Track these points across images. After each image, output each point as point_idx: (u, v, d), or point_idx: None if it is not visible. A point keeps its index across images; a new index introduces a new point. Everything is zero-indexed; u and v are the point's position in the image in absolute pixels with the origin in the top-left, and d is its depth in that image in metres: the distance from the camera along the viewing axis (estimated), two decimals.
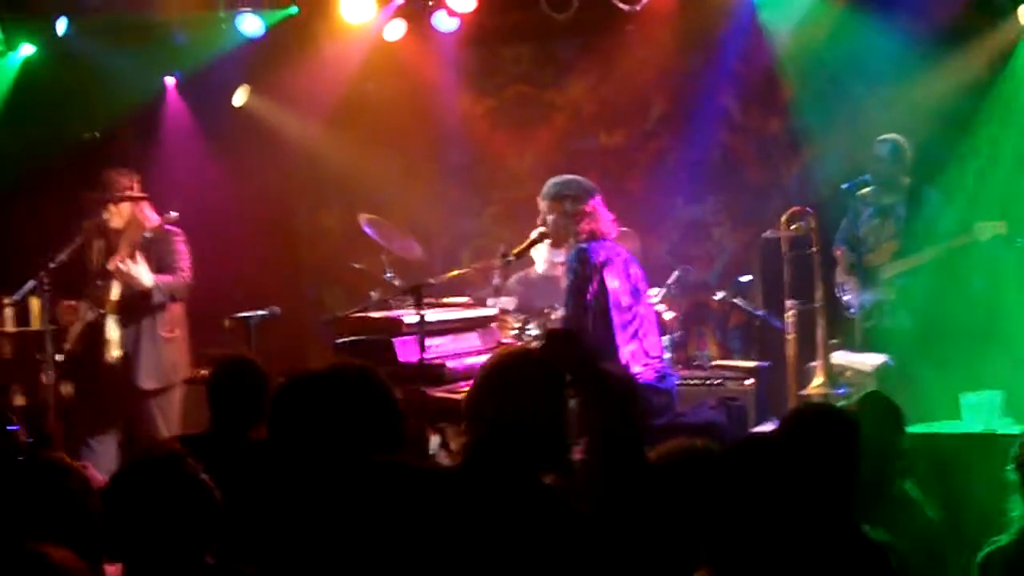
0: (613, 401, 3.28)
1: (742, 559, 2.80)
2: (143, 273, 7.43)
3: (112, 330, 7.54)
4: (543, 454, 3.19)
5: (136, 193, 7.68)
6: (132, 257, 7.40)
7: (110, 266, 7.51)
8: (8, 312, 8.59)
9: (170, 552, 3.05)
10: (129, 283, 7.45)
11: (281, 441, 3.02)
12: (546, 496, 3.08)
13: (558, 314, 7.18)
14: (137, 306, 7.53)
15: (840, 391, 7.10)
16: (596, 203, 6.60)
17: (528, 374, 3.33)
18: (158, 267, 7.53)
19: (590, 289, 6.35)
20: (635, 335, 6.47)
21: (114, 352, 7.51)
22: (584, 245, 6.44)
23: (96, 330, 7.55)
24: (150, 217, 7.65)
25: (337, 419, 2.97)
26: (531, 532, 2.93)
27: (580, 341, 3.45)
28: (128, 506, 3.09)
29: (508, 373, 3.34)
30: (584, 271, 6.37)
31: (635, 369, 6.28)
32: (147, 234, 7.46)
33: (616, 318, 6.37)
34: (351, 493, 2.82)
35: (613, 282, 6.38)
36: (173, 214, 7.56)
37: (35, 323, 8.58)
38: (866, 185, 7.95)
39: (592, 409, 3.30)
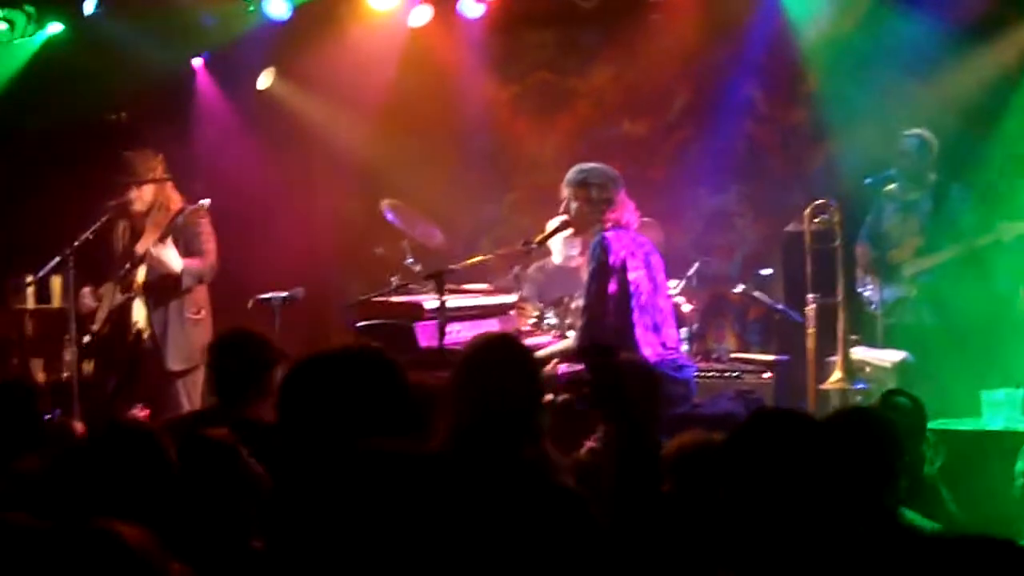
0: (631, 423, 3.34)
1: (773, 561, 2.78)
2: (173, 258, 7.44)
3: (139, 312, 7.57)
4: (523, 432, 3.29)
5: (161, 174, 7.69)
6: (163, 241, 7.41)
7: (139, 249, 7.54)
8: (30, 290, 8.62)
9: (221, 536, 3.08)
10: (159, 268, 7.46)
11: (290, 423, 2.98)
12: (531, 473, 3.15)
13: (577, 303, 7.18)
14: (164, 288, 7.55)
15: (859, 386, 7.08)
16: (620, 192, 6.60)
17: (509, 358, 3.50)
18: (185, 250, 7.55)
19: (611, 278, 6.36)
20: (654, 326, 6.47)
21: (144, 333, 7.55)
22: (607, 234, 6.43)
23: (123, 313, 7.59)
24: (174, 198, 7.67)
25: (345, 402, 2.91)
26: (520, 508, 2.97)
27: (612, 357, 3.51)
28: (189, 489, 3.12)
29: (490, 358, 3.53)
30: (606, 260, 6.37)
31: (652, 359, 6.28)
32: (180, 219, 7.46)
33: (636, 308, 6.38)
34: (339, 481, 2.82)
35: (634, 272, 6.39)
36: (205, 202, 7.54)
37: (56, 301, 8.62)
38: (890, 180, 7.93)
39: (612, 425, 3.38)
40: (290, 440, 2.95)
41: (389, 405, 2.93)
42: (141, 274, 7.55)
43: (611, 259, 6.36)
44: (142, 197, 7.64)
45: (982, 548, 2.15)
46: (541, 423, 3.57)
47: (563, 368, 6.36)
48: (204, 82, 9.90)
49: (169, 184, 7.72)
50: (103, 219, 7.61)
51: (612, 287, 6.36)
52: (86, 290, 7.68)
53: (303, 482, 2.82)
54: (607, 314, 6.38)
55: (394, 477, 2.58)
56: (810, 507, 2.80)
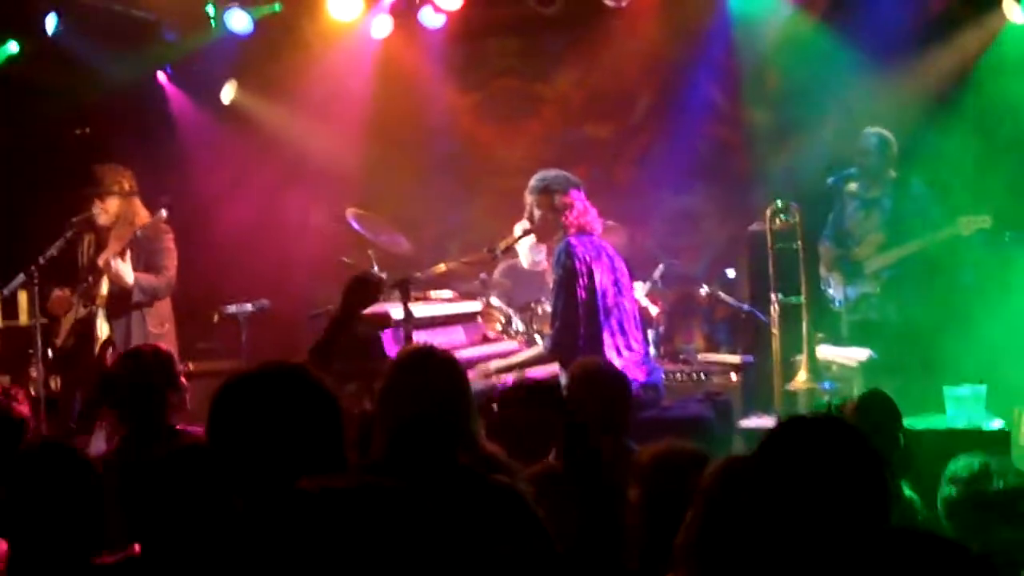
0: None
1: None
2: (126, 272, 7.43)
3: (102, 325, 7.56)
4: (455, 437, 3.34)
5: (127, 188, 7.69)
6: (122, 254, 7.40)
7: (99, 261, 7.53)
8: None
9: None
10: (115, 280, 7.46)
11: (218, 446, 2.89)
12: (468, 475, 3.18)
13: (544, 308, 7.22)
14: (126, 301, 7.55)
15: (825, 385, 7.12)
16: (581, 197, 6.63)
17: (436, 367, 3.64)
18: (145, 265, 7.54)
19: (578, 284, 6.39)
20: (621, 329, 6.51)
21: (108, 346, 7.53)
22: (572, 240, 6.47)
23: (86, 325, 7.58)
24: (141, 213, 7.67)
25: (272, 424, 2.80)
26: (463, 511, 2.99)
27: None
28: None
29: (415, 367, 3.64)
30: (572, 266, 6.40)
31: (618, 363, 6.31)
32: (139, 232, 7.46)
33: (602, 313, 6.42)
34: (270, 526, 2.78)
35: (600, 277, 6.43)
36: (163, 212, 7.54)
37: (23, 318, 8.59)
38: (852, 178, 7.98)
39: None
40: (220, 464, 2.90)
41: (316, 423, 2.86)
42: (104, 287, 7.54)
43: (577, 265, 6.40)
44: (107, 210, 7.63)
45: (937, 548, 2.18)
46: (472, 428, 3.63)
47: (509, 379, 6.34)
48: (168, 95, 9.89)
49: (136, 199, 7.71)
50: (68, 234, 7.60)
51: (579, 293, 6.40)
52: (56, 292, 7.67)
53: (234, 519, 2.79)
54: (575, 320, 6.42)
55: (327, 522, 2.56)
56: (839, 516, 2.70)
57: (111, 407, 5.04)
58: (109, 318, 7.56)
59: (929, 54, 8.60)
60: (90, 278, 7.60)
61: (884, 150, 7.89)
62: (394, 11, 9.36)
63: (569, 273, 6.43)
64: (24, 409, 4.68)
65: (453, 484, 3.14)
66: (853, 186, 8.01)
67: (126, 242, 7.44)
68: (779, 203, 7.45)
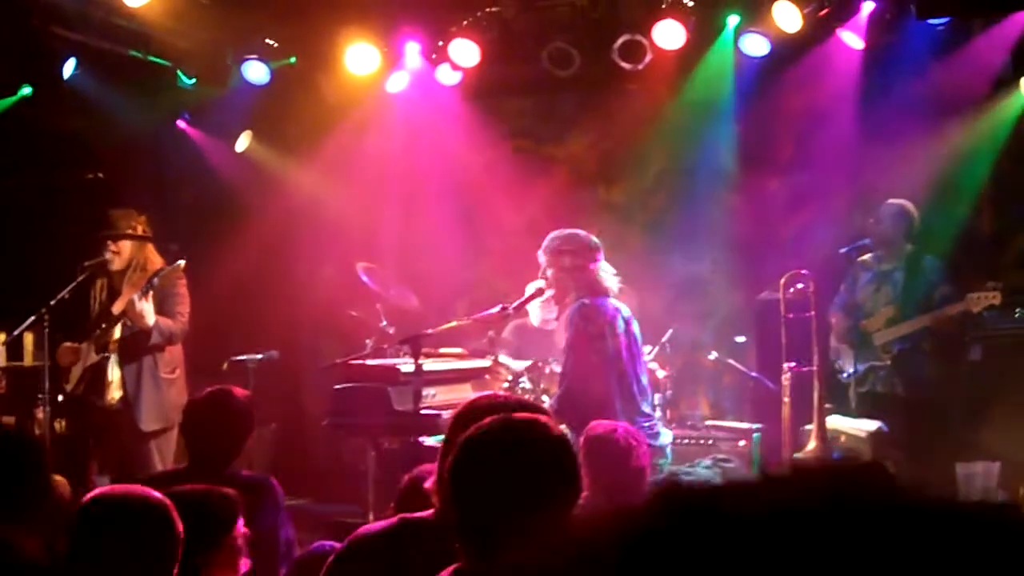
0: None
1: None
2: (148, 312, 7.41)
3: (113, 371, 7.53)
4: None
5: (140, 233, 7.69)
6: (144, 295, 7.37)
7: (115, 309, 7.51)
8: (1, 348, 8.58)
9: None
10: (135, 320, 7.41)
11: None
12: None
13: (552, 367, 7.19)
14: (138, 347, 7.52)
15: (834, 457, 7.09)
16: (597, 259, 6.62)
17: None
18: (159, 310, 7.52)
19: (590, 347, 6.36)
20: (631, 393, 6.47)
21: (115, 393, 7.50)
22: (586, 301, 6.45)
23: (98, 372, 7.55)
24: (154, 259, 7.66)
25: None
26: None
27: None
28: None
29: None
30: (585, 327, 6.38)
31: (630, 426, 6.27)
32: (155, 280, 7.43)
33: (614, 377, 6.38)
34: None
35: (613, 339, 6.40)
36: (181, 262, 7.53)
37: (28, 359, 8.57)
38: (865, 250, 7.99)
39: None
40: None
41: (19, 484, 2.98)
42: (117, 333, 7.52)
43: (589, 328, 6.37)
44: (120, 254, 7.62)
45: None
46: None
47: None
48: (184, 142, 9.92)
49: (149, 245, 7.71)
50: (80, 278, 7.60)
51: (591, 356, 6.36)
52: (66, 345, 7.64)
53: None
54: (585, 383, 6.38)
55: None
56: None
57: None
58: (121, 363, 7.54)
59: (945, 130, 8.62)
60: (104, 325, 7.58)
61: (902, 221, 7.90)
62: (411, 67, 9.39)
63: (579, 334, 6.39)
64: None
65: None
66: (867, 258, 8.02)
67: (145, 285, 7.42)
68: (794, 272, 7.45)
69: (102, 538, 2.94)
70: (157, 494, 3.13)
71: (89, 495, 3.05)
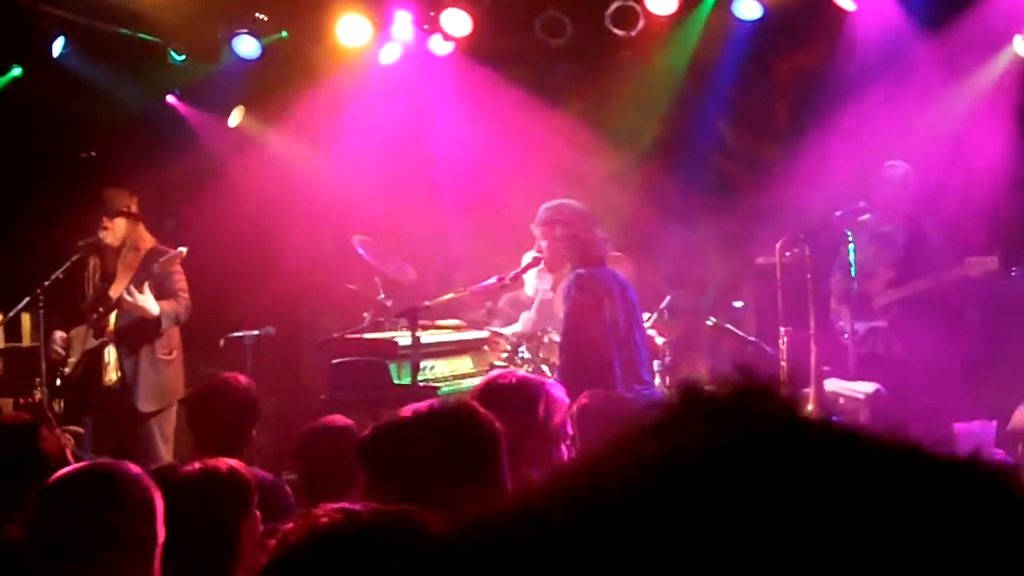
0: None
1: None
2: (150, 303, 7.39)
3: (110, 353, 7.53)
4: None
5: (133, 212, 7.67)
6: (139, 287, 7.35)
7: (112, 294, 7.50)
8: None
9: None
10: (136, 313, 7.41)
11: None
12: None
13: (551, 337, 7.19)
14: (137, 331, 7.52)
15: (834, 420, 7.07)
16: (589, 227, 6.61)
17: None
18: (158, 292, 7.50)
19: (587, 315, 6.35)
20: (630, 360, 6.47)
21: (112, 375, 7.50)
22: (581, 271, 6.44)
23: (95, 356, 7.55)
24: (145, 238, 7.65)
25: None
26: None
27: None
28: None
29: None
30: (581, 297, 6.37)
31: (629, 395, 6.27)
32: (156, 268, 7.41)
33: (613, 343, 6.38)
34: None
35: (610, 308, 6.39)
36: (183, 250, 7.51)
37: (26, 340, 8.56)
38: (860, 212, 7.96)
39: None
40: None
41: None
42: (113, 319, 7.52)
43: (586, 297, 6.36)
44: (113, 231, 7.61)
45: None
46: None
47: None
48: (176, 119, 9.88)
49: (140, 225, 7.69)
50: (74, 258, 7.59)
51: (589, 325, 6.36)
52: (57, 335, 7.64)
53: None
54: (585, 352, 6.38)
55: None
56: None
57: None
58: (118, 345, 7.54)
59: (942, 92, 8.58)
60: (100, 309, 7.57)
61: (904, 183, 7.89)
62: (402, 38, 9.35)
63: (576, 304, 6.39)
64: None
65: None
66: (866, 219, 7.99)
67: (141, 275, 7.40)
68: (790, 236, 7.43)
69: (63, 514, 2.93)
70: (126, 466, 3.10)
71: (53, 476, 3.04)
